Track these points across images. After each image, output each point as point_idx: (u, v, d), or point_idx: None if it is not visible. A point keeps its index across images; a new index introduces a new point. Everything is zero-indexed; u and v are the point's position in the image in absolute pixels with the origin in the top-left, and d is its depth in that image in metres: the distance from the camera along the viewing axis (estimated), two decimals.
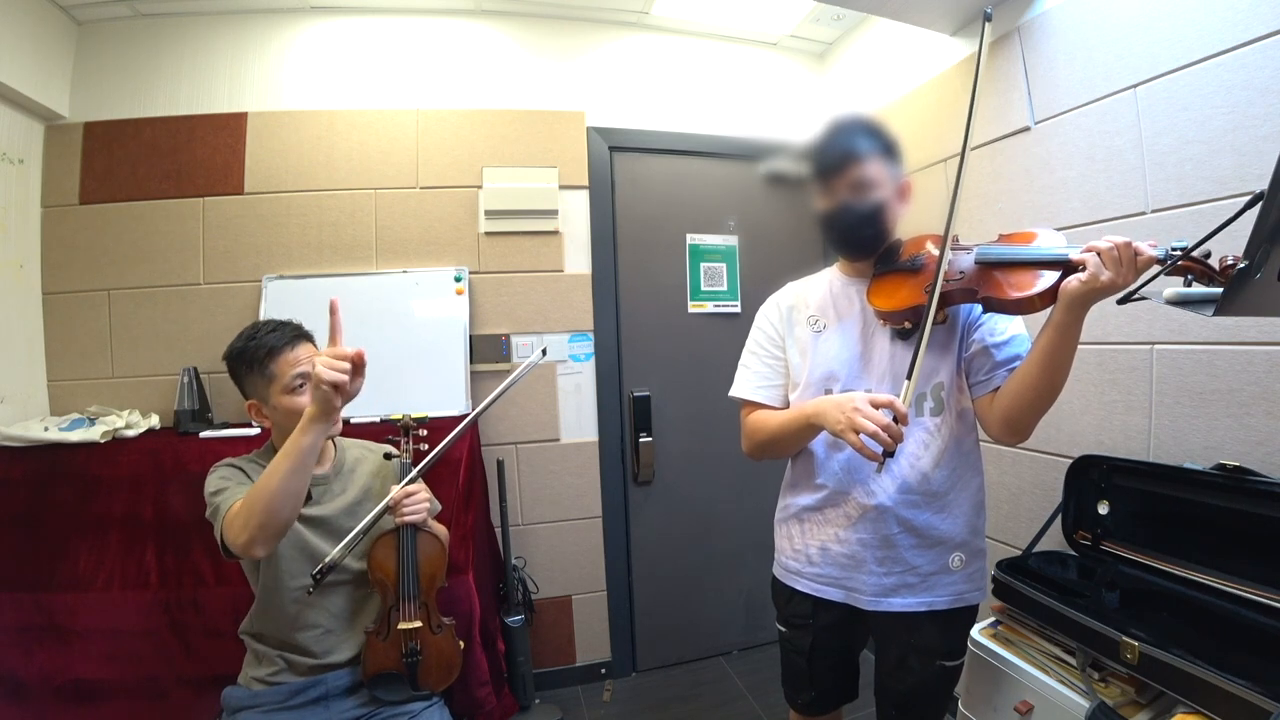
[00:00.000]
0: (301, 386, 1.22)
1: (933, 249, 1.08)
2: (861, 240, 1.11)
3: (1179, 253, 0.82)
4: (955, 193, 0.98)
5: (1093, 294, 0.86)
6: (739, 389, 1.24)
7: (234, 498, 1.12)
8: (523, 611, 2.08)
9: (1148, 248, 0.84)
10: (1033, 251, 0.98)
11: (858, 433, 0.95)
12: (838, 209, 1.08)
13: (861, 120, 1.11)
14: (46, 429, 1.76)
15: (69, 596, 1.66)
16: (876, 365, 1.11)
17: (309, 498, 1.27)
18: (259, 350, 1.21)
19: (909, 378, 0.98)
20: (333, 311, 1.01)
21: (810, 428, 1.07)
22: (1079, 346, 0.93)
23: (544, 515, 2.31)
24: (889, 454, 0.95)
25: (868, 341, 1.12)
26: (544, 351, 1.54)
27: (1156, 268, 0.85)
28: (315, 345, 1.31)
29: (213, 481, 1.19)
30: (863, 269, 1.15)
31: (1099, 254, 0.85)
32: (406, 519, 1.28)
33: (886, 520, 1.08)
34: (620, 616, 2.39)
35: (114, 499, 1.72)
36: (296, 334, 1.26)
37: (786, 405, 1.19)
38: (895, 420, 0.94)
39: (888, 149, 1.08)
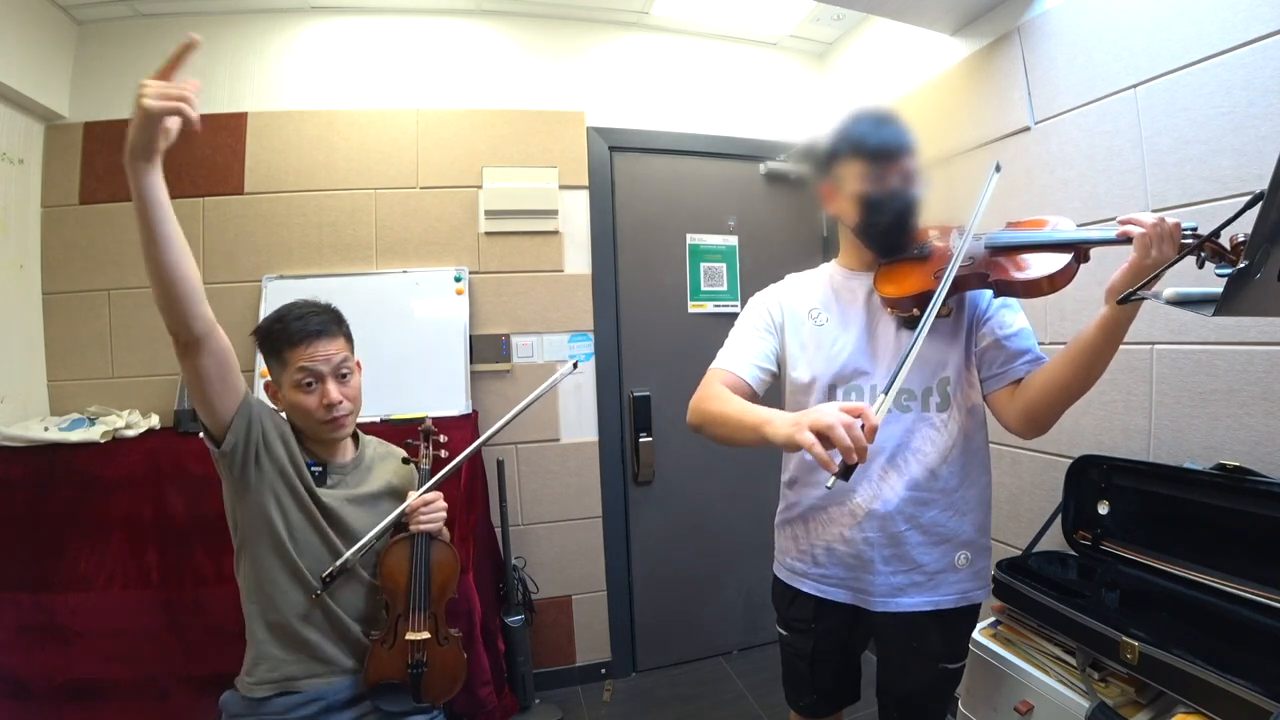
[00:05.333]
0: (310, 385, 1.19)
1: (938, 238, 1.09)
2: (904, 227, 1.10)
3: (1191, 234, 0.83)
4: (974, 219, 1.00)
5: (1141, 274, 0.84)
6: (723, 360, 1.15)
7: None
8: (523, 611, 2.08)
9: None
10: (1041, 235, 0.99)
11: (816, 433, 0.81)
12: (889, 194, 1.06)
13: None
14: (46, 429, 1.76)
15: (70, 596, 1.66)
16: (883, 355, 1.10)
17: (326, 481, 1.23)
18: (279, 335, 1.19)
19: (885, 392, 0.88)
20: (185, 48, 0.87)
21: (756, 434, 0.95)
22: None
23: (544, 515, 2.31)
24: (847, 470, 0.81)
25: (873, 332, 1.12)
26: (575, 365, 1.53)
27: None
28: (347, 340, 1.26)
29: None
30: (869, 261, 1.14)
31: (1145, 231, 0.83)
32: (423, 527, 1.26)
33: (893, 518, 1.07)
34: (620, 616, 2.39)
35: (114, 499, 1.72)
36: (321, 328, 1.20)
37: (754, 391, 1.14)
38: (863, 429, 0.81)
39: None
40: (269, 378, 1.24)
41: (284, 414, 1.26)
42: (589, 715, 2.17)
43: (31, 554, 1.67)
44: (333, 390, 1.20)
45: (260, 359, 1.94)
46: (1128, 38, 1.44)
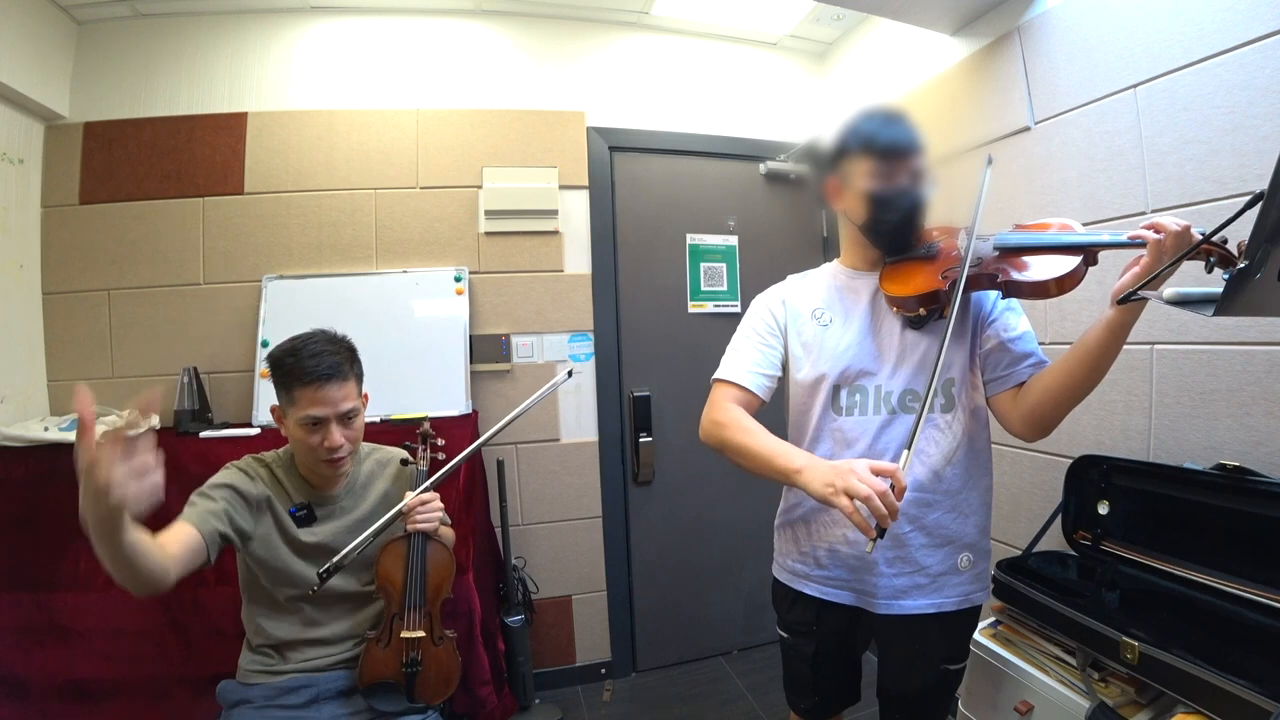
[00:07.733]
0: (315, 426, 1.19)
1: (943, 237, 1.09)
2: (912, 226, 1.10)
3: (1199, 236, 0.83)
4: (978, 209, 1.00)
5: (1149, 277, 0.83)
6: (729, 371, 1.15)
7: (186, 517, 1.12)
8: (523, 611, 2.08)
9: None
10: (1051, 237, 0.99)
11: (851, 498, 0.85)
12: (899, 192, 1.06)
13: None
14: (46, 429, 1.76)
15: (69, 596, 1.66)
16: (888, 354, 1.09)
17: (312, 519, 1.27)
18: (291, 371, 1.19)
19: (908, 447, 0.92)
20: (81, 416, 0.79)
21: (784, 478, 1.00)
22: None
23: (544, 515, 2.31)
24: (882, 531, 0.85)
25: (878, 331, 1.11)
26: (570, 373, 1.56)
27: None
28: (357, 380, 1.27)
29: (207, 484, 1.21)
30: (872, 260, 1.15)
31: (1171, 236, 0.81)
32: (418, 526, 1.27)
33: (897, 519, 1.07)
34: (620, 616, 2.39)
35: None
36: (332, 370, 1.19)
37: (763, 401, 1.15)
38: (893, 490, 0.85)
39: None
40: (276, 402, 1.24)
41: (273, 456, 1.32)
42: (589, 715, 2.17)
43: (32, 554, 1.67)
44: (336, 434, 1.20)
45: (260, 362, 1.98)
46: (1128, 38, 1.44)
